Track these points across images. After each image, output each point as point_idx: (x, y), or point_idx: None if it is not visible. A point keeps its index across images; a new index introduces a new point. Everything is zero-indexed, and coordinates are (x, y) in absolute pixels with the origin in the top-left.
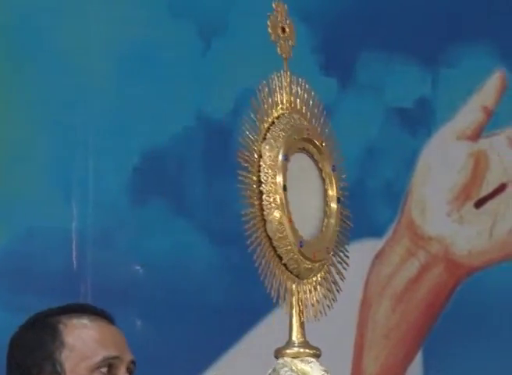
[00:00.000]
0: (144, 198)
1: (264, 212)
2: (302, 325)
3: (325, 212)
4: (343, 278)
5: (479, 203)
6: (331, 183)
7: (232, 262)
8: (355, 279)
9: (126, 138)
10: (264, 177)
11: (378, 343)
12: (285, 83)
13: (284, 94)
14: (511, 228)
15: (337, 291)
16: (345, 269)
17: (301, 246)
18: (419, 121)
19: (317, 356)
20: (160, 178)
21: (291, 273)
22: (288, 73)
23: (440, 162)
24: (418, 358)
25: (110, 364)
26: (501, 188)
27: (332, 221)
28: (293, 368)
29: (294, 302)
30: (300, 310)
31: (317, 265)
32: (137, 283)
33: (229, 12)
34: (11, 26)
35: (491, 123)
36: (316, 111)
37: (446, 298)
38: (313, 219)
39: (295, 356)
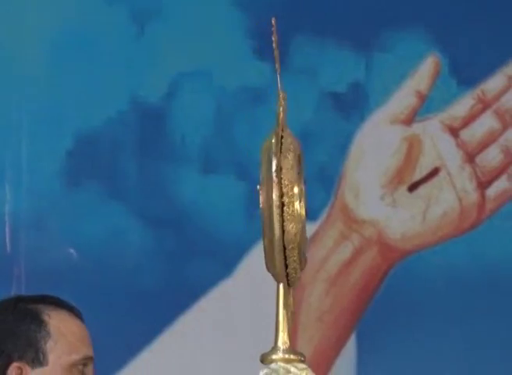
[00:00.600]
0: (77, 181)
1: (284, 223)
2: (289, 331)
3: None
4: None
5: (412, 187)
6: (301, 194)
7: (166, 247)
8: None
9: (59, 122)
10: (285, 189)
11: (311, 326)
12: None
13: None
14: (444, 212)
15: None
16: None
17: (304, 256)
18: (353, 105)
19: (302, 362)
20: (94, 162)
21: (289, 280)
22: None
23: (374, 146)
24: (352, 341)
25: (85, 363)
26: (434, 172)
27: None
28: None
29: (282, 307)
30: (287, 315)
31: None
32: (71, 266)
33: None
34: None
35: (424, 107)
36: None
37: (379, 282)
38: None
39: (287, 361)
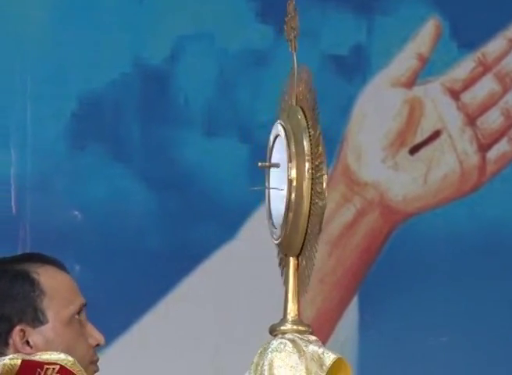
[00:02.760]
0: (81, 143)
1: (313, 200)
2: (299, 303)
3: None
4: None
5: (414, 150)
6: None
7: (169, 209)
8: None
9: (63, 85)
10: (314, 165)
11: (314, 287)
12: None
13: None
14: (445, 174)
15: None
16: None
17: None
18: (354, 68)
19: (310, 333)
20: (98, 124)
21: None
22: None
23: (375, 109)
24: (354, 303)
25: (81, 310)
26: (435, 135)
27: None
28: (303, 349)
29: (292, 279)
30: (297, 286)
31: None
32: (75, 227)
33: None
34: None
35: (425, 70)
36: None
37: (381, 244)
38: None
39: (299, 332)
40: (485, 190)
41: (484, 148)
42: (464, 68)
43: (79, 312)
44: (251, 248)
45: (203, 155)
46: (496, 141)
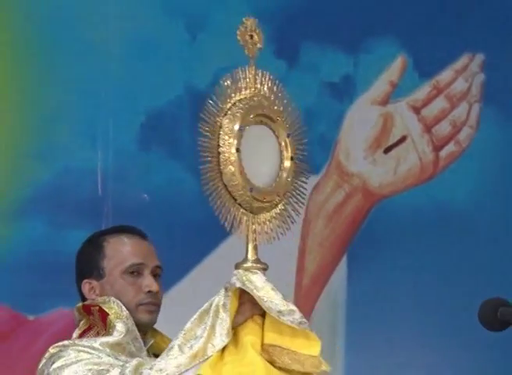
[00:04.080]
0: (148, 146)
1: (221, 167)
2: (255, 247)
3: (281, 167)
4: (298, 214)
5: (387, 150)
6: (286, 146)
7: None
8: None
9: (135, 102)
10: (222, 142)
11: (315, 249)
12: (250, 76)
13: (248, 84)
14: (409, 168)
15: (291, 222)
16: (301, 207)
17: (251, 191)
18: (344, 92)
19: (264, 269)
20: (160, 132)
21: (245, 210)
22: (254, 68)
23: (359, 121)
24: (343, 260)
25: (137, 269)
26: (402, 139)
27: (285, 174)
28: (243, 278)
29: (249, 231)
30: (253, 237)
31: (268, 204)
32: (144, 206)
33: (210, 12)
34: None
35: (395, 93)
36: (280, 95)
37: (363, 217)
38: (268, 172)
39: (247, 269)
40: (438, 179)
41: (437, 148)
42: (423, 91)
43: (136, 271)
44: None
45: None
46: (446, 143)
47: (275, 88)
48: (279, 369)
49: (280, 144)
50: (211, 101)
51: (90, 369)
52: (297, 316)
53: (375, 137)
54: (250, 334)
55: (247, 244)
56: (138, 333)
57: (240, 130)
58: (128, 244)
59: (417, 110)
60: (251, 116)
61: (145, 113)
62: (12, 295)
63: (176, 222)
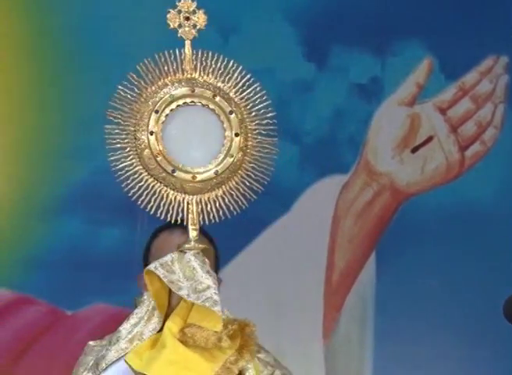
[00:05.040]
0: None
1: (138, 151)
2: (197, 227)
3: (223, 146)
4: (259, 189)
5: (414, 150)
6: (230, 123)
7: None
8: (328, 202)
9: None
10: (137, 127)
11: (344, 246)
12: (184, 59)
13: (179, 67)
14: (436, 167)
15: (246, 200)
16: (263, 181)
17: (173, 172)
18: (372, 93)
19: (206, 250)
20: None
21: (179, 192)
22: (190, 50)
23: (387, 122)
24: (372, 257)
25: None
26: (429, 139)
27: (226, 152)
28: (158, 262)
29: (187, 212)
30: (192, 217)
31: (203, 184)
32: None
33: (241, 16)
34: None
35: (422, 94)
36: (222, 72)
37: (391, 215)
38: (199, 152)
39: (190, 249)
40: (464, 178)
41: (463, 148)
42: (449, 93)
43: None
44: (301, 220)
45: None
46: (471, 143)
47: (216, 66)
48: (193, 348)
49: (223, 122)
50: (121, 88)
51: None
52: (209, 292)
53: (403, 137)
54: (172, 317)
55: (188, 224)
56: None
57: (156, 113)
58: (167, 241)
59: (443, 111)
60: (180, 100)
61: None
62: (51, 291)
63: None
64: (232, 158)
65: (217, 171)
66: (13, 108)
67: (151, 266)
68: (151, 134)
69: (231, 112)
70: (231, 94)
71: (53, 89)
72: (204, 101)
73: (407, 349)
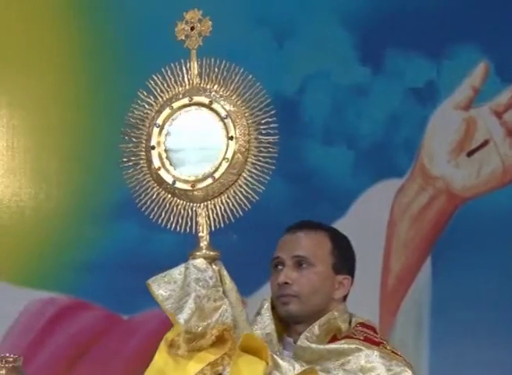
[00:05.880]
0: None
1: (147, 166)
2: (209, 236)
3: (219, 150)
4: (260, 189)
5: (470, 153)
6: (226, 128)
7: (296, 196)
8: (384, 206)
9: None
10: (147, 143)
11: (400, 250)
12: (190, 69)
13: (185, 78)
14: (492, 170)
15: (249, 202)
16: (260, 189)
17: (174, 184)
18: (428, 97)
19: (218, 258)
20: None
21: (186, 201)
22: (195, 60)
23: (443, 125)
24: (428, 261)
25: (276, 263)
26: (485, 143)
27: (223, 156)
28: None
29: (199, 220)
30: (203, 224)
31: (204, 192)
32: None
33: (297, 21)
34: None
35: (478, 98)
36: (223, 78)
37: (447, 219)
38: (196, 160)
39: (204, 257)
40: None
41: None
42: (505, 96)
43: (276, 264)
44: (356, 223)
45: (321, 158)
46: None
47: (217, 74)
48: (181, 356)
49: (218, 127)
50: (136, 106)
51: None
52: (187, 301)
53: (458, 141)
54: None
55: (199, 232)
56: (271, 328)
57: (157, 127)
58: (280, 241)
59: (499, 114)
60: (180, 109)
61: None
62: (108, 295)
63: (265, 225)
64: (227, 162)
65: (214, 177)
66: (66, 116)
67: (150, 281)
68: (153, 149)
69: (226, 117)
70: (233, 98)
71: (106, 96)
72: (201, 109)
73: (464, 354)
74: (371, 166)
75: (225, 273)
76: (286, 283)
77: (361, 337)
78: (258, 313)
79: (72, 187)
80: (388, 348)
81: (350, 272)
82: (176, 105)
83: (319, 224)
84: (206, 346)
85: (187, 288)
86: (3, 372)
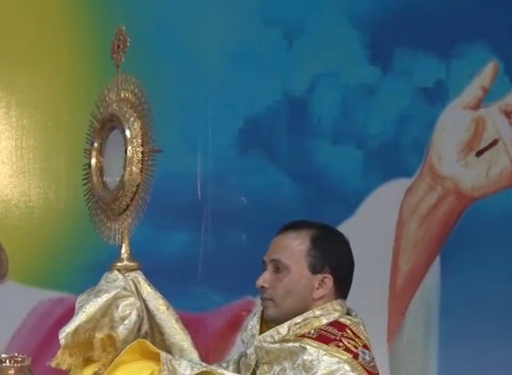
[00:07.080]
0: (246, 150)
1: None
2: (129, 244)
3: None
4: (144, 202)
5: (479, 153)
6: (124, 141)
7: (306, 195)
8: (393, 206)
9: (234, 109)
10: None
11: (409, 250)
12: (115, 87)
13: (112, 94)
14: (501, 170)
15: (140, 214)
16: (146, 197)
17: (99, 200)
18: (437, 96)
19: (139, 269)
20: (257, 137)
21: (113, 214)
22: (119, 77)
23: (452, 125)
24: (437, 261)
25: (263, 266)
26: (494, 143)
27: (121, 169)
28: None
29: (122, 230)
30: (127, 235)
31: (116, 205)
32: (242, 208)
33: (306, 20)
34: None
35: (487, 97)
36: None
37: (456, 219)
38: (110, 177)
39: (125, 268)
40: None
41: None
42: None
43: (263, 268)
44: (365, 222)
45: (330, 158)
46: None
47: (136, 92)
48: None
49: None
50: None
51: None
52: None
53: (467, 141)
54: None
55: (122, 243)
56: (256, 330)
57: (92, 145)
58: (271, 241)
59: (508, 114)
60: (99, 130)
61: (243, 119)
62: None
63: (274, 224)
64: (120, 177)
65: (117, 190)
66: (76, 116)
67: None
68: (89, 167)
69: (123, 131)
70: (130, 111)
71: None
72: (115, 124)
73: (472, 353)
74: (380, 165)
75: (142, 281)
76: (263, 287)
77: (314, 336)
78: (254, 315)
79: (81, 187)
80: (341, 345)
81: (334, 270)
82: (107, 123)
83: (305, 224)
84: (97, 355)
85: (89, 298)
86: (11, 372)
